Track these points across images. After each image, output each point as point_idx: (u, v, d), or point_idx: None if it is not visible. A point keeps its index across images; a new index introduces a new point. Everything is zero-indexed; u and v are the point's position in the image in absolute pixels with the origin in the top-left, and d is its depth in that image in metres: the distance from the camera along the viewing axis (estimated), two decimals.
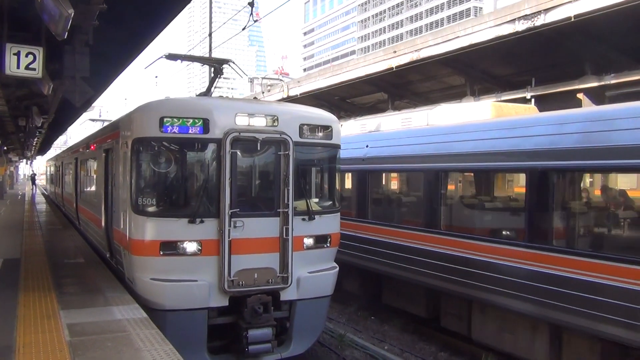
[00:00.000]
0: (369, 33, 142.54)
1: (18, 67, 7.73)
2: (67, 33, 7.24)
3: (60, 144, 51.96)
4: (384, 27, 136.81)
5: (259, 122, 8.75)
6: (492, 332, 9.94)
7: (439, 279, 10.50)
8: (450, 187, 11.23)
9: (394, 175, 13.07)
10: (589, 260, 7.88)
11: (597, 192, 9.33)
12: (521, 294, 8.78)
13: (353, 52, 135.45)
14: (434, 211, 10.78)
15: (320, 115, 9.67)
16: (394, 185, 13.46)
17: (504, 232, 10.00)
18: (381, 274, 12.40)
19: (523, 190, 9.19)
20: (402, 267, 11.41)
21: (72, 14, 6.42)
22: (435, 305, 11.52)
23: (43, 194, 50.71)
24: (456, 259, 10.03)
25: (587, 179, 9.37)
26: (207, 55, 27.88)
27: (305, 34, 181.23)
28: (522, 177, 9.50)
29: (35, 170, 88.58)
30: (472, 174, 11.08)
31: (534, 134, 8.99)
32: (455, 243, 10.16)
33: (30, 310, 7.52)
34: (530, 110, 11.33)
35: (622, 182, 8.78)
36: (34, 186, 57.43)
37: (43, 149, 51.47)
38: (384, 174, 13.16)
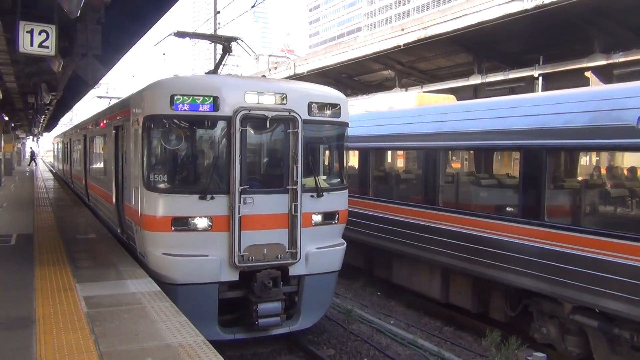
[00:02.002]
0: (375, 9, 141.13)
1: (32, 44, 7.82)
2: (79, 11, 7.32)
3: (67, 121, 52.06)
4: (391, 4, 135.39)
5: (268, 100, 8.84)
6: (405, 276, 12.52)
7: (372, 237, 12.82)
8: (381, 162, 13.86)
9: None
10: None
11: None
12: (423, 245, 11.36)
13: (359, 29, 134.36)
14: (365, 181, 13.47)
15: (328, 93, 9.75)
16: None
17: (412, 197, 12.35)
18: None
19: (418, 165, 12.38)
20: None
21: None
22: (370, 259, 13.92)
23: (50, 170, 51.05)
24: (383, 220, 12.50)
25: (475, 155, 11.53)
26: (213, 32, 27.82)
27: (310, 10, 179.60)
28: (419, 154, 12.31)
29: (41, 147, 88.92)
30: (395, 152, 13.60)
31: (427, 121, 11.72)
32: (381, 207, 12.72)
33: (46, 283, 7.73)
34: (447, 100, 13.32)
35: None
36: (33, 163, 57.66)
37: (50, 126, 51.68)
38: None
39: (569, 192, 9.15)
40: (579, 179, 9.24)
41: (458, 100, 13.84)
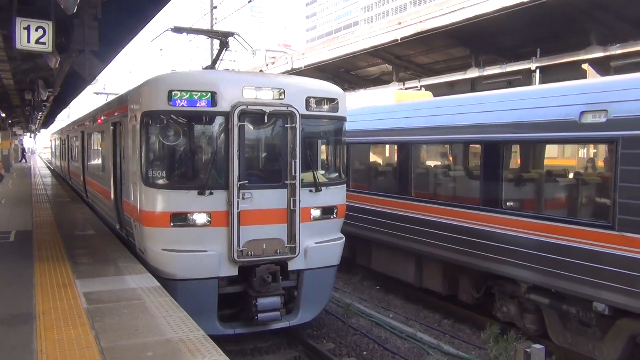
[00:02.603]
0: (372, 3, 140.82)
1: (28, 41, 7.80)
2: (76, 7, 7.30)
3: (64, 117, 51.96)
4: None
5: (266, 95, 8.84)
6: (383, 263, 13.04)
7: (353, 227, 13.06)
8: (360, 156, 14.23)
9: None
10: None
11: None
12: (398, 233, 11.92)
13: (356, 23, 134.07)
14: (346, 174, 13.97)
15: (326, 87, 9.75)
16: None
17: (388, 188, 12.76)
18: None
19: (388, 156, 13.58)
20: None
21: None
22: (354, 248, 14.12)
23: (48, 167, 50.97)
24: (363, 210, 13.02)
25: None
26: (210, 27, 27.76)
27: (307, 4, 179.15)
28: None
29: (39, 143, 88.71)
30: (373, 146, 13.92)
31: (401, 117, 12.29)
32: (361, 198, 13.21)
33: (46, 279, 7.75)
34: (424, 97, 13.99)
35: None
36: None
37: (47, 122, 51.55)
38: None
39: (523, 182, 9.78)
40: (532, 169, 9.88)
41: (453, 94, 14.06)
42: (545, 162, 9.60)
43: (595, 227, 7.95)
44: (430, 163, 12.35)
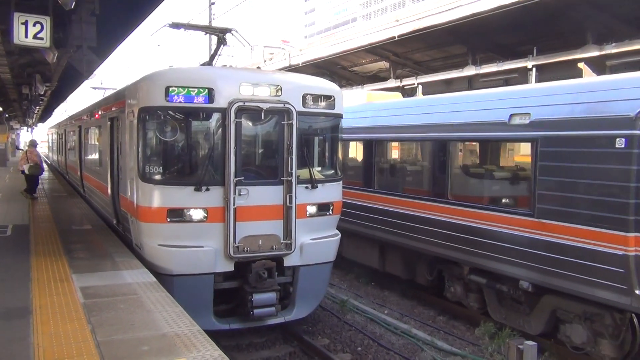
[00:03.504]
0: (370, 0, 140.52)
1: (26, 36, 7.83)
2: (73, 3, 7.33)
3: (61, 111, 51.85)
4: None
5: (263, 91, 8.88)
6: (352, 251, 13.71)
7: None
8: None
9: None
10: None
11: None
12: (364, 223, 12.83)
13: (355, 19, 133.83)
14: None
15: (323, 85, 9.79)
16: None
17: (355, 182, 13.47)
18: None
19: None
20: None
21: None
22: None
23: (45, 161, 50.83)
24: None
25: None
26: (208, 23, 27.74)
27: (306, 0, 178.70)
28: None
29: (36, 138, 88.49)
30: (344, 143, 13.72)
31: (366, 116, 13.20)
32: None
33: (43, 274, 7.79)
34: (393, 97, 14.84)
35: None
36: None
37: (44, 116, 51.45)
38: None
39: (464, 176, 11.12)
40: (471, 165, 11.25)
41: (451, 91, 14.29)
42: (482, 158, 11.05)
43: (519, 215, 9.09)
44: (390, 159, 13.33)
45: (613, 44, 11.92)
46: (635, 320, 8.09)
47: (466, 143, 10.92)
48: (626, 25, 12.44)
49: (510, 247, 9.18)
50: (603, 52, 12.06)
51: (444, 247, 10.63)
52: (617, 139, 7.60)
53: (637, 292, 7.52)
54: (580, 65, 12.57)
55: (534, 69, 13.60)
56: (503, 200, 9.95)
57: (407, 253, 12.16)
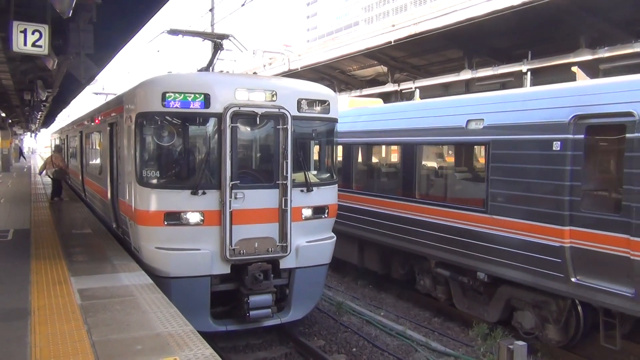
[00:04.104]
0: (372, 3, 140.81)
1: (25, 44, 7.97)
2: (71, 11, 7.48)
3: (64, 116, 52.13)
4: None
5: (258, 96, 9.03)
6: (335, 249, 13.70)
7: None
8: None
9: None
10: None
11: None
12: (344, 222, 13.11)
13: (357, 23, 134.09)
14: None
15: (317, 90, 9.94)
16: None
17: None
18: None
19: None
20: None
21: None
22: None
23: None
24: None
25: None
26: (210, 27, 27.92)
27: (308, 4, 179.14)
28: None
29: (39, 143, 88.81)
30: None
31: (346, 122, 13.17)
32: None
33: (42, 277, 7.95)
34: (374, 103, 15.57)
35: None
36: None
37: (47, 122, 51.70)
38: None
39: (430, 176, 12.01)
40: (436, 167, 12.24)
41: (448, 95, 14.47)
42: (444, 160, 12.15)
43: (475, 212, 9.96)
44: (367, 161, 14.16)
45: (606, 48, 12.06)
46: (579, 306, 8.88)
47: (430, 146, 11.99)
48: (619, 29, 12.57)
49: (468, 242, 10.07)
50: (596, 56, 12.20)
51: (413, 243, 11.47)
52: (554, 142, 8.50)
53: (572, 279, 8.32)
54: (574, 69, 12.70)
55: (528, 73, 13.73)
56: (462, 199, 10.81)
57: (382, 249, 13.04)
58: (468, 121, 10.18)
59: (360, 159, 14.15)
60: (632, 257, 7.50)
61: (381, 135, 12.84)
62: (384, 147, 13.61)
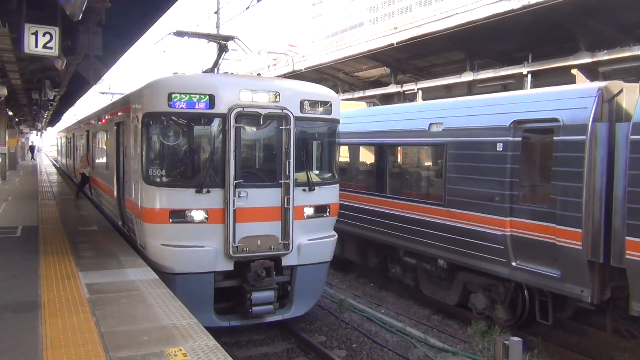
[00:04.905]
0: (377, 4, 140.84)
1: (36, 46, 8.23)
2: (81, 14, 7.73)
3: (70, 115, 52.48)
4: None
5: (262, 97, 9.25)
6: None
7: None
8: None
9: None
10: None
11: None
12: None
13: (362, 24, 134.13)
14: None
15: (320, 91, 10.15)
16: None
17: None
18: None
19: None
20: None
21: None
22: None
23: (54, 164, 51.50)
24: None
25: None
26: (215, 29, 28.16)
27: (313, 5, 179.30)
28: None
29: (45, 141, 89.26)
30: None
31: None
32: None
33: (51, 272, 8.19)
34: (358, 106, 16.69)
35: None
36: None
37: (53, 120, 52.09)
38: None
39: (399, 173, 13.28)
40: (403, 165, 13.48)
41: (451, 97, 14.80)
42: (411, 159, 13.46)
43: (435, 205, 11.21)
44: (347, 160, 15.01)
45: (605, 51, 12.20)
46: (525, 289, 9.97)
47: (400, 147, 13.31)
48: (618, 32, 12.72)
49: (430, 232, 11.29)
50: (595, 59, 12.33)
51: (385, 234, 12.68)
52: (498, 144, 9.76)
53: (513, 264, 9.54)
54: (574, 71, 12.84)
55: (529, 75, 13.88)
56: (425, 194, 12.24)
57: (360, 241, 14.13)
58: (430, 124, 11.43)
59: (341, 159, 14.66)
60: (557, 243, 8.72)
61: (359, 137, 13.99)
62: (361, 147, 14.66)
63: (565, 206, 8.61)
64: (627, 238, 7.87)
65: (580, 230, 8.37)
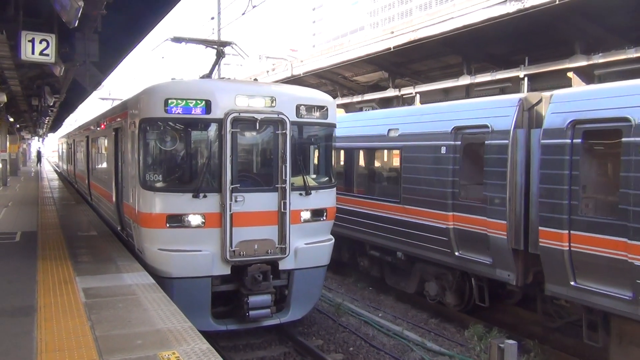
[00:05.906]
0: (378, 8, 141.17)
1: (33, 52, 8.31)
2: (77, 21, 7.80)
3: (72, 121, 52.64)
4: (394, 2, 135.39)
5: (258, 102, 9.32)
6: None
7: None
8: None
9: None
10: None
11: None
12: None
13: (362, 28, 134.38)
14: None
15: (316, 96, 10.22)
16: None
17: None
18: None
19: None
20: None
21: (82, 5, 6.98)
22: None
23: (55, 170, 51.63)
24: None
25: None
26: (215, 34, 28.29)
27: (314, 9, 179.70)
28: None
29: (47, 147, 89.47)
30: None
31: None
32: None
33: (48, 276, 8.25)
34: (338, 112, 16.99)
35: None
36: (39, 164, 58.24)
37: (54, 127, 52.26)
38: None
39: (364, 174, 14.53)
40: (368, 166, 14.63)
41: (448, 100, 14.81)
42: (374, 161, 14.51)
43: (392, 202, 12.43)
44: None
45: (600, 54, 12.21)
46: (472, 278, 10.93)
47: (365, 150, 14.46)
48: (613, 35, 12.73)
49: (389, 227, 12.48)
50: (591, 62, 12.33)
51: (354, 230, 13.90)
52: (442, 147, 11.05)
53: (456, 254, 10.73)
54: (570, 74, 12.86)
55: (525, 78, 13.90)
56: (385, 193, 13.30)
57: (335, 238, 14.33)
58: (389, 130, 12.79)
59: None
60: (489, 234, 9.91)
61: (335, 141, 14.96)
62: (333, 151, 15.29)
63: (494, 201, 9.84)
64: (540, 228, 9.01)
65: (505, 222, 9.62)
